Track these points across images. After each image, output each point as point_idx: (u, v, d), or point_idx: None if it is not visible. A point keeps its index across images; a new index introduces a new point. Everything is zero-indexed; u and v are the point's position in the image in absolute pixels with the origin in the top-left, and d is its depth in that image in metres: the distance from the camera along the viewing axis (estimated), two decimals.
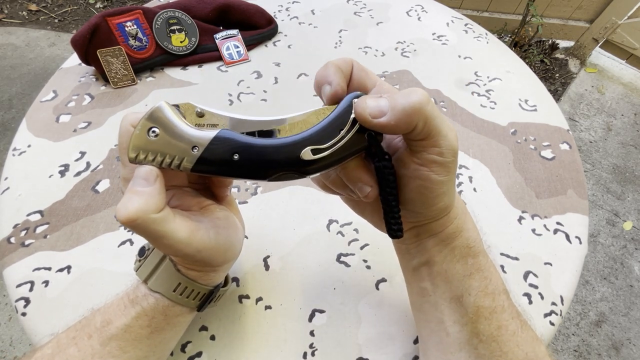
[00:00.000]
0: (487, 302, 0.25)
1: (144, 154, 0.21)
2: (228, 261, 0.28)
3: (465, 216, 0.27)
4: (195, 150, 0.21)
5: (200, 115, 0.22)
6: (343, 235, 0.42)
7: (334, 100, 0.22)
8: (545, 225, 0.44)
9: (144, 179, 0.21)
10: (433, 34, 0.65)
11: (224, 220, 0.27)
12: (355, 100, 0.21)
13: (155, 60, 0.56)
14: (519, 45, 1.71)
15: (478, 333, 0.25)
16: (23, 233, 0.40)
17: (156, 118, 0.21)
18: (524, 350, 0.25)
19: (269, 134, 0.22)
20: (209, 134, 0.21)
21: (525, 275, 0.40)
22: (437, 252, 0.26)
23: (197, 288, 0.27)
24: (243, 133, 0.22)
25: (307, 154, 0.21)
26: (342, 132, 0.21)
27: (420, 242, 0.27)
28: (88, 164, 0.46)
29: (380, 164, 0.22)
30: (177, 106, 0.22)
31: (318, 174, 0.22)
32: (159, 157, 0.21)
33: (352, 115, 0.21)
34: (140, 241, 0.40)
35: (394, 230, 0.23)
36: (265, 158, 0.21)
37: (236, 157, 0.21)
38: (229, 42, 0.59)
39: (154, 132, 0.21)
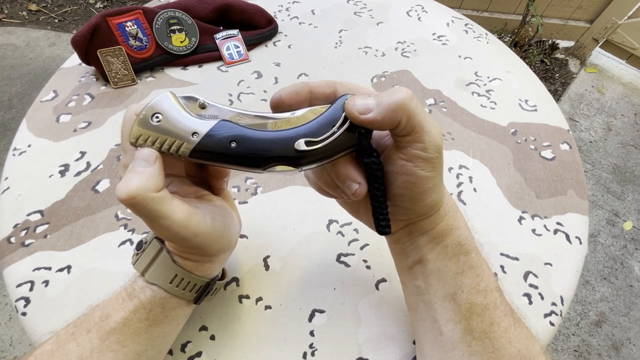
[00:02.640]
0: (479, 299, 0.26)
1: (145, 138, 0.22)
2: (224, 251, 0.28)
3: (456, 214, 0.27)
4: (195, 137, 0.22)
5: (202, 106, 0.23)
6: (343, 235, 0.42)
7: (275, 103, 0.24)
8: (545, 226, 0.44)
9: (144, 159, 0.22)
10: (433, 34, 0.65)
11: (221, 209, 0.27)
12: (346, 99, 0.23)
13: (155, 60, 0.56)
14: (519, 45, 1.71)
15: (471, 330, 0.25)
16: (23, 233, 0.40)
17: (160, 106, 0.22)
18: (516, 347, 0.25)
19: (265, 127, 0.23)
20: (209, 122, 0.22)
21: (525, 276, 0.40)
22: (429, 249, 0.27)
23: (194, 280, 0.27)
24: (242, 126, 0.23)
25: (301, 145, 0.22)
26: (334, 128, 0.22)
27: (413, 241, 0.27)
28: (88, 164, 0.46)
29: (369, 160, 0.23)
30: (181, 97, 0.23)
31: (310, 167, 0.24)
32: (159, 142, 0.22)
33: (344, 114, 0.22)
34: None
35: (382, 226, 0.24)
36: (262, 147, 0.22)
37: (233, 145, 0.22)
38: (229, 42, 0.59)
39: (157, 117, 0.22)
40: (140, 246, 0.28)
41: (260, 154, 0.22)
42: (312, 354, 0.34)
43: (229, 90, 0.55)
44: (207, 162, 0.23)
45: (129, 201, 0.21)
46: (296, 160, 0.22)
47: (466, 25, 0.68)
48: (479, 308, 0.25)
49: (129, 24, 0.53)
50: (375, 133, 0.25)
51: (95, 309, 0.27)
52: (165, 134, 0.22)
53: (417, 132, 0.22)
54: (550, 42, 1.79)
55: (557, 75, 1.77)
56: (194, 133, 0.22)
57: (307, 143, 0.22)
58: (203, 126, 0.22)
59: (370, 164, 0.23)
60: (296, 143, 0.22)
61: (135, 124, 0.22)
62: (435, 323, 0.27)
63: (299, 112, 0.23)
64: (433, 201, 0.25)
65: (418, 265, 0.28)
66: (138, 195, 0.21)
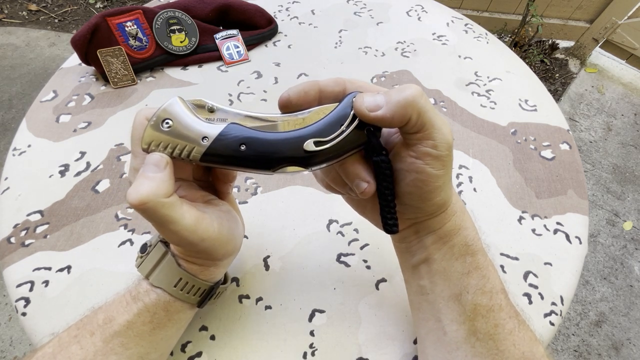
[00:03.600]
0: (484, 300, 0.25)
1: (156, 143, 0.23)
2: (228, 255, 0.28)
3: (464, 215, 0.27)
4: (205, 141, 0.22)
5: (211, 110, 0.23)
6: (343, 235, 0.42)
7: (282, 103, 0.24)
8: (545, 226, 0.44)
9: (154, 164, 0.22)
10: (433, 34, 0.65)
11: (227, 214, 0.28)
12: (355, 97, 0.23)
13: (155, 60, 0.56)
14: (519, 45, 1.71)
15: (475, 331, 0.25)
16: (23, 233, 0.40)
17: (170, 111, 0.23)
18: (520, 350, 0.25)
19: (274, 129, 0.23)
20: (219, 126, 0.22)
21: (525, 276, 0.40)
22: (435, 249, 0.26)
23: (198, 284, 0.27)
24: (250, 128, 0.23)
25: (310, 145, 0.22)
26: (343, 127, 0.22)
27: (420, 240, 0.27)
28: (88, 164, 0.46)
29: (378, 159, 0.23)
30: (190, 102, 0.23)
31: (320, 167, 0.23)
32: (170, 147, 0.23)
33: (352, 111, 0.22)
34: (140, 241, 0.40)
35: (389, 225, 0.24)
36: (271, 149, 0.22)
37: (243, 147, 0.22)
38: (229, 42, 0.59)
39: (167, 123, 0.22)
40: (144, 249, 0.28)
41: (269, 156, 0.22)
42: (312, 354, 0.34)
43: (229, 90, 0.55)
44: (217, 166, 0.24)
45: (140, 206, 0.21)
46: (306, 160, 0.22)
47: (466, 25, 0.68)
48: (483, 309, 0.25)
49: (128, 24, 0.53)
50: (384, 131, 0.25)
51: (99, 311, 0.27)
52: (176, 139, 0.22)
53: (427, 129, 0.22)
54: (550, 42, 1.79)
55: (557, 75, 1.77)
56: (204, 137, 0.22)
57: (316, 143, 0.22)
58: (213, 130, 0.22)
59: (380, 163, 0.23)
60: (305, 144, 0.22)
61: (147, 129, 0.22)
62: (438, 323, 0.27)
63: (306, 112, 0.23)
64: (442, 200, 0.24)
65: (423, 264, 0.27)
66: (149, 200, 0.21)
